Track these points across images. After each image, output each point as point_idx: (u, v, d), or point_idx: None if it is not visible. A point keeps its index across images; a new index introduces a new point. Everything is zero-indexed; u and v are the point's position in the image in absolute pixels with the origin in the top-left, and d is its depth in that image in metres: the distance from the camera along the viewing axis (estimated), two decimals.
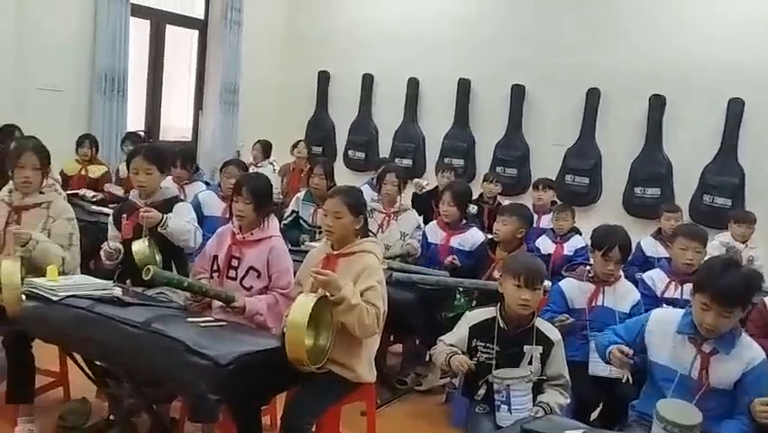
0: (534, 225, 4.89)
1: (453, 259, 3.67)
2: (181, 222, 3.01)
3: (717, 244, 4.52)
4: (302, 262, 2.87)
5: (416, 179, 5.34)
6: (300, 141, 6.49)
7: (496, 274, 3.37)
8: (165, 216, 2.96)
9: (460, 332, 2.50)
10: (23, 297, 2.57)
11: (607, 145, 6.31)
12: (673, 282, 3.26)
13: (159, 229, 2.93)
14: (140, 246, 2.81)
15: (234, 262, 2.81)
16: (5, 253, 2.88)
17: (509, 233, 3.51)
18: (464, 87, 6.92)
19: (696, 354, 2.24)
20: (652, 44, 6.06)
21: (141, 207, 3.02)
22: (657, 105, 6.05)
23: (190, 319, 2.46)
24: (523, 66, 6.60)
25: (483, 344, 2.44)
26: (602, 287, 3.04)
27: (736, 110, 5.74)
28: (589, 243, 3.23)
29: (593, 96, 6.31)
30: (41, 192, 3.03)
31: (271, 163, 6.23)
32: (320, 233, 4.35)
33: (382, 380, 3.70)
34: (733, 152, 5.78)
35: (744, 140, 5.76)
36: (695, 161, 5.90)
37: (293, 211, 4.43)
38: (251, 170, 5.61)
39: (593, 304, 3.03)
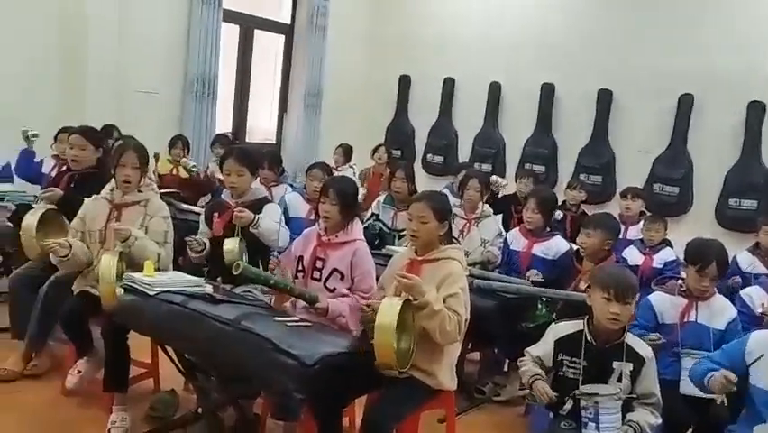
0: (621, 236, 4.75)
1: (536, 276, 3.57)
2: (271, 222, 3.10)
3: None
4: (383, 264, 2.89)
5: (493, 177, 5.23)
6: (380, 145, 6.53)
7: (582, 286, 3.28)
8: (257, 216, 3.05)
9: (545, 345, 2.44)
10: (122, 290, 2.71)
11: (699, 154, 6.04)
12: None
13: (250, 229, 3.03)
14: (231, 245, 2.90)
15: (319, 264, 2.85)
16: (106, 248, 3.06)
17: (595, 245, 3.39)
18: (548, 92, 6.79)
19: None
20: (751, 47, 5.75)
21: (232, 207, 3.13)
22: (756, 112, 5.74)
23: (277, 319, 2.52)
24: (610, 70, 6.40)
25: (570, 358, 2.37)
26: (695, 302, 2.90)
27: None
28: (683, 256, 3.09)
29: (686, 103, 6.05)
30: (139, 190, 3.18)
31: (352, 167, 6.30)
32: (400, 237, 4.38)
33: (460, 388, 3.64)
34: None
35: None
36: None
37: (373, 214, 4.46)
38: (333, 173, 5.69)
39: (685, 320, 2.89)
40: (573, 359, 2.37)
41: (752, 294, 3.21)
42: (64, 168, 3.99)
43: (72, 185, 3.60)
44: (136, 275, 2.70)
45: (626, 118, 6.42)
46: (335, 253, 2.83)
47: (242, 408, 2.85)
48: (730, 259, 3.97)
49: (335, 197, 2.80)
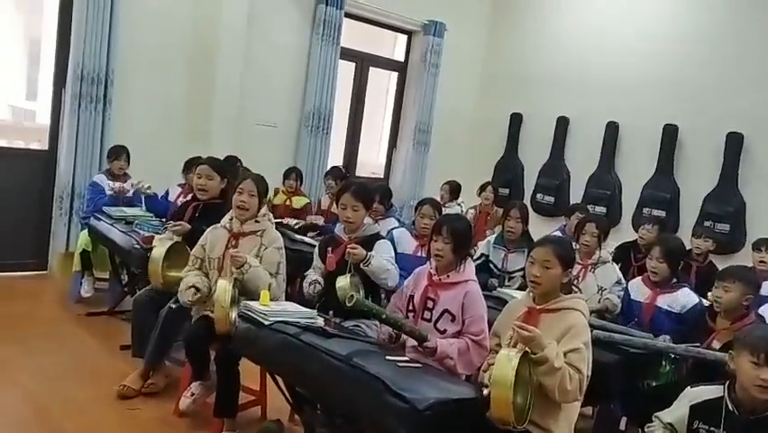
0: None
1: (665, 341, 3.29)
2: (382, 260, 3.07)
3: None
4: (495, 307, 2.78)
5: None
6: (488, 183, 6.43)
7: (715, 345, 3.01)
8: (369, 253, 3.04)
9: (679, 410, 2.23)
10: (236, 316, 2.76)
11: None
12: None
13: (362, 266, 3.01)
14: (343, 282, 2.90)
15: (430, 304, 2.78)
16: (223, 275, 3.14)
17: (733, 301, 3.09)
18: (670, 134, 6.44)
19: None
20: None
21: (345, 242, 3.14)
22: None
23: (389, 358, 2.46)
24: (740, 112, 5.99)
25: (707, 427, 2.16)
26: None
27: None
28: None
29: None
30: (256, 221, 3.26)
31: (459, 204, 6.23)
32: (510, 279, 4.24)
33: None
34: None
35: None
36: None
37: (482, 255, 4.35)
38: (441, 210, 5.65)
39: None
40: (711, 429, 2.16)
41: None
42: (189, 197, 4.18)
43: (197, 214, 3.75)
44: (252, 303, 2.76)
45: (758, 162, 5.96)
46: (447, 294, 2.76)
47: None
48: None
49: (449, 235, 2.73)
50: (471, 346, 2.69)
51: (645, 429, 2.32)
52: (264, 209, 3.38)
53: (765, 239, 4.65)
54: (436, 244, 2.80)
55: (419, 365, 2.50)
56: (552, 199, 7.24)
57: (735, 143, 6.04)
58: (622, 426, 3.57)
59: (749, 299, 3.12)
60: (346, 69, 7.08)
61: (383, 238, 3.37)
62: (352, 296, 2.49)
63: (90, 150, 5.20)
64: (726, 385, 2.19)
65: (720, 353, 2.78)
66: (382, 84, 7.74)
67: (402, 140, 7.60)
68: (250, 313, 2.70)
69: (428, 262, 2.92)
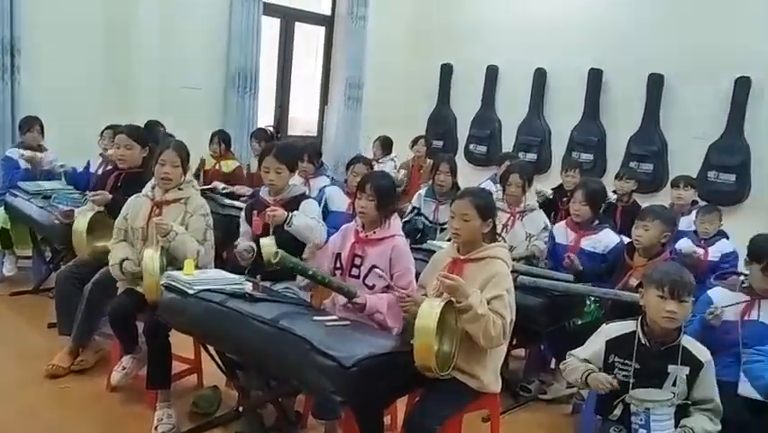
0: None
1: (573, 260, 3.45)
2: (307, 219, 3.06)
3: None
4: (424, 259, 2.82)
5: (535, 188, 5.10)
6: (420, 137, 6.45)
7: (633, 282, 3.15)
8: (291, 214, 3.02)
9: (595, 346, 2.33)
10: (162, 288, 2.72)
11: (757, 140, 5.73)
12: None
13: (285, 227, 2.99)
14: (267, 242, 2.87)
15: (357, 261, 2.81)
16: (148, 245, 3.07)
17: (653, 238, 3.23)
18: (595, 78, 6.56)
19: None
20: None
21: (269, 205, 3.11)
22: None
23: (316, 318, 2.48)
24: (661, 53, 6.14)
25: (621, 360, 2.26)
26: (758, 300, 2.74)
27: None
28: (740, 248, 2.92)
29: (742, 86, 5.75)
30: (179, 188, 3.18)
31: (392, 160, 6.23)
32: (442, 230, 4.30)
33: (504, 385, 3.57)
34: None
35: None
36: None
37: (414, 207, 4.39)
38: (373, 166, 5.64)
39: (747, 318, 2.74)
40: (625, 361, 2.26)
41: None
42: (110, 167, 4.04)
43: (119, 185, 3.64)
44: (176, 273, 2.71)
45: (678, 103, 6.15)
46: (374, 250, 2.78)
47: (283, 406, 2.84)
48: None
49: (372, 192, 2.74)
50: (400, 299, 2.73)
51: (561, 366, 2.42)
52: (188, 176, 3.30)
53: (683, 176, 4.84)
54: (360, 202, 2.81)
55: (347, 323, 2.52)
56: (484, 149, 7.32)
57: (656, 84, 6.21)
58: (552, 365, 3.73)
59: (667, 237, 3.26)
60: (271, 26, 6.88)
61: (309, 198, 3.35)
62: (277, 252, 2.48)
63: (0, 122, 4.93)
64: (639, 320, 2.30)
65: (635, 294, 2.91)
66: (310, 40, 7.57)
67: (333, 96, 7.50)
68: (174, 283, 2.65)
69: (354, 220, 2.94)
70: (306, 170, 4.62)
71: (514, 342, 3.89)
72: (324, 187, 4.47)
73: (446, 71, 7.69)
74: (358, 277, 2.81)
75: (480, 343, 2.32)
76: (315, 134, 7.60)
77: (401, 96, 7.73)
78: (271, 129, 6.27)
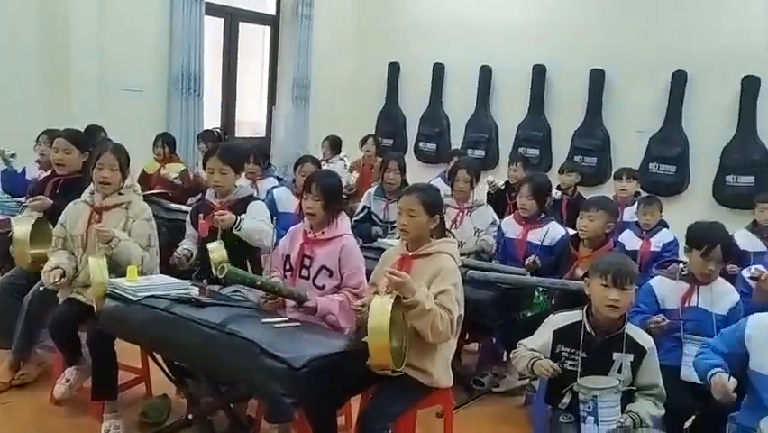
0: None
1: (535, 261, 3.50)
2: (256, 222, 3.01)
3: None
4: (375, 258, 2.82)
5: (487, 178, 5.19)
6: (369, 136, 6.44)
7: (579, 272, 3.21)
8: (239, 217, 2.97)
9: (543, 337, 2.37)
10: (105, 296, 2.63)
11: (694, 131, 5.95)
12: None
13: (233, 231, 2.94)
14: (215, 247, 2.82)
15: (307, 262, 2.79)
16: (89, 252, 2.97)
17: (597, 229, 3.30)
18: (539, 74, 6.69)
19: None
20: (743, 23, 5.66)
21: (216, 207, 3.05)
22: (750, 87, 5.65)
23: (265, 320, 2.45)
24: (601, 49, 6.30)
25: (568, 350, 2.30)
26: (697, 286, 2.83)
27: None
28: (681, 237, 3.01)
29: (679, 80, 5.95)
30: (120, 193, 3.09)
31: (342, 159, 6.21)
32: (392, 228, 4.31)
33: (458, 380, 3.60)
34: None
35: None
36: None
37: (365, 207, 4.38)
38: (323, 166, 5.62)
39: (687, 305, 2.83)
40: (572, 351, 2.30)
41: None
42: (49, 172, 3.90)
43: (57, 191, 3.50)
44: (118, 280, 2.64)
45: (619, 98, 6.33)
46: (322, 250, 2.77)
47: (234, 412, 2.79)
48: None
49: (318, 192, 2.73)
50: (352, 299, 2.72)
51: (511, 356, 2.45)
52: (129, 180, 3.21)
53: (625, 169, 4.97)
54: (307, 202, 2.79)
55: (298, 325, 2.50)
56: (434, 147, 7.37)
57: (597, 80, 6.37)
58: (504, 358, 3.78)
59: (610, 227, 3.34)
60: (214, 26, 6.77)
61: (257, 199, 3.31)
62: (223, 267, 2.43)
63: None
64: (584, 310, 2.35)
65: (581, 283, 2.97)
66: (255, 40, 7.48)
67: (281, 97, 7.42)
68: (116, 291, 2.58)
69: (303, 220, 2.92)
70: (253, 172, 4.57)
71: (466, 336, 3.94)
72: (272, 188, 4.43)
73: (394, 70, 7.72)
74: (308, 278, 2.79)
75: (428, 338, 2.32)
76: (264, 135, 7.51)
77: (350, 96, 7.72)
78: (218, 131, 6.16)
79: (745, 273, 3.25)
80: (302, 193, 2.84)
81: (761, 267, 3.17)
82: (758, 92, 5.63)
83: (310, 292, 2.72)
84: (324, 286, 2.76)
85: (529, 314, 3.53)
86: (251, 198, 3.20)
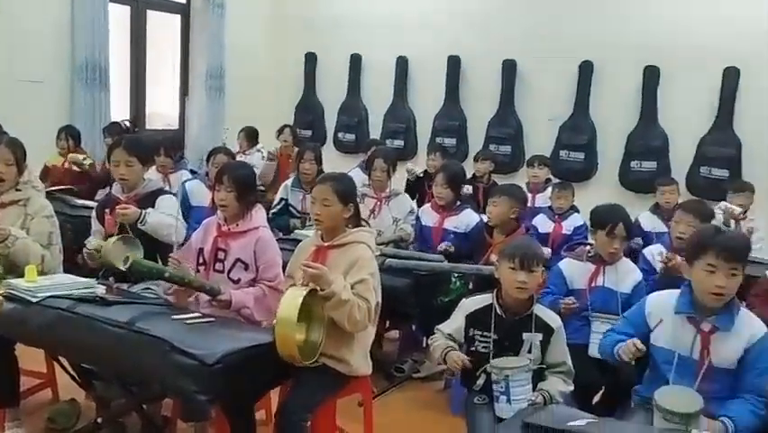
0: (530, 204, 4.82)
1: (448, 247, 3.57)
2: (162, 216, 2.90)
3: (718, 211, 4.41)
4: (292, 250, 2.79)
5: (407, 166, 5.24)
6: (285, 126, 6.37)
7: (493, 258, 3.29)
8: (144, 212, 2.85)
9: (456, 321, 2.41)
10: (1, 299, 2.48)
11: (601, 119, 6.20)
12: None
13: (138, 225, 2.83)
14: (109, 247, 2.67)
15: (221, 255, 2.73)
16: None
17: (501, 214, 3.42)
18: (454, 65, 6.79)
19: (696, 334, 2.18)
20: (644, 14, 5.93)
21: (122, 202, 2.93)
22: (651, 76, 5.94)
23: (176, 317, 2.37)
24: (513, 40, 6.46)
25: (480, 332, 2.35)
26: (603, 267, 2.96)
27: (731, 79, 5.64)
28: (589, 222, 3.14)
29: (586, 69, 6.19)
30: (17, 189, 2.92)
31: (259, 150, 6.10)
32: (310, 220, 4.26)
33: (379, 368, 3.63)
34: (729, 122, 5.69)
35: (740, 109, 5.66)
36: (691, 132, 5.80)
37: (282, 199, 4.33)
38: (239, 158, 5.51)
39: (593, 284, 2.95)
40: (484, 333, 2.35)
41: (654, 252, 3.32)
42: None
43: None
44: (15, 281, 2.49)
45: (531, 87, 6.51)
46: (237, 243, 2.71)
47: (148, 413, 2.70)
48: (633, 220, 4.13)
49: (231, 184, 2.67)
50: (268, 292, 2.69)
51: (429, 341, 2.48)
52: (27, 175, 3.03)
53: (536, 156, 5.14)
54: (219, 194, 2.73)
55: (211, 320, 2.43)
56: (353, 137, 7.35)
57: (510, 70, 6.53)
58: (424, 344, 3.83)
59: (516, 212, 3.44)
60: (121, 15, 6.47)
61: (168, 193, 3.20)
62: (128, 257, 2.33)
63: None
64: (495, 293, 2.40)
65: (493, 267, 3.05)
66: (165, 29, 7.21)
67: (194, 87, 7.20)
68: (14, 292, 2.43)
69: (216, 213, 2.84)
70: (165, 165, 4.42)
71: (387, 325, 3.97)
72: (185, 181, 4.29)
73: (311, 60, 7.64)
74: (222, 271, 2.73)
75: (345, 328, 2.32)
76: (177, 128, 7.27)
77: (266, 86, 7.59)
78: (127, 123, 5.91)
79: (652, 252, 3.41)
80: (213, 186, 2.76)
81: (663, 250, 3.34)
82: (659, 81, 5.93)
83: (225, 286, 2.66)
84: (239, 279, 2.71)
85: (447, 299, 3.58)
86: (160, 192, 3.08)
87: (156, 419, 2.77)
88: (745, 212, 4.49)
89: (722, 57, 5.61)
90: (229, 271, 2.71)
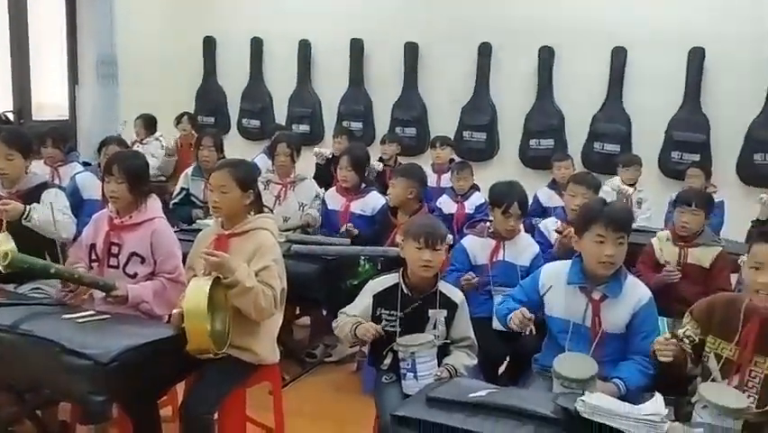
0: (435, 185, 4.91)
1: (350, 227, 3.58)
2: (48, 212, 2.73)
3: (609, 189, 4.67)
4: (191, 240, 2.70)
5: (315, 150, 5.19)
6: (184, 114, 6.17)
7: (398, 239, 3.32)
8: (29, 207, 2.68)
9: (363, 302, 2.42)
10: None
11: (501, 100, 6.37)
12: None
13: (23, 222, 2.65)
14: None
15: (114, 249, 2.60)
16: None
17: (400, 195, 3.47)
18: (357, 48, 6.76)
19: (587, 303, 2.29)
20: None
21: (3, 198, 2.73)
22: (546, 57, 6.14)
23: (66, 316, 2.25)
24: (414, 23, 6.51)
25: (387, 312, 2.37)
26: (503, 242, 3.06)
27: (619, 58, 5.92)
28: (488, 200, 3.24)
29: (485, 51, 6.33)
30: None
31: (158, 139, 5.87)
32: None
33: (290, 355, 3.63)
34: (619, 99, 5.98)
35: (628, 87, 5.96)
36: (585, 110, 6.04)
37: (182, 188, 4.19)
38: (137, 147, 5.29)
39: (495, 259, 3.06)
40: (391, 312, 2.38)
41: (548, 225, 3.46)
42: None
43: None
44: None
45: (433, 70, 6.58)
46: (131, 236, 2.59)
47: (43, 419, 2.56)
48: (531, 196, 4.30)
49: (121, 174, 2.55)
50: (168, 285, 2.59)
51: (333, 325, 2.48)
52: None
53: (439, 137, 5.24)
54: (109, 186, 2.60)
55: (107, 317, 2.32)
56: (258, 123, 7.19)
57: (412, 52, 6.57)
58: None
59: (413, 192, 3.49)
60: None
61: (54, 187, 3.02)
62: (6, 254, 2.17)
63: None
64: (401, 272, 2.43)
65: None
66: (49, 11, 6.75)
67: (84, 74, 6.77)
68: None
69: (107, 206, 2.71)
70: (53, 157, 4.16)
71: (297, 311, 3.95)
72: (76, 174, 4.06)
73: (209, 44, 7.39)
74: (117, 267, 2.60)
75: (251, 316, 2.29)
76: (68, 118, 6.85)
77: (163, 72, 7.26)
78: (8, 114, 5.50)
79: (547, 225, 3.56)
80: (103, 177, 2.63)
81: (558, 222, 3.49)
82: (553, 61, 6.15)
83: (121, 282, 2.54)
84: (136, 274, 2.59)
85: (356, 282, 3.58)
86: (44, 186, 2.90)
87: (52, 425, 2.62)
88: (634, 184, 4.78)
89: (611, 37, 5.88)
90: (124, 266, 2.59)
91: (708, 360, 2.10)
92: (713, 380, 2.06)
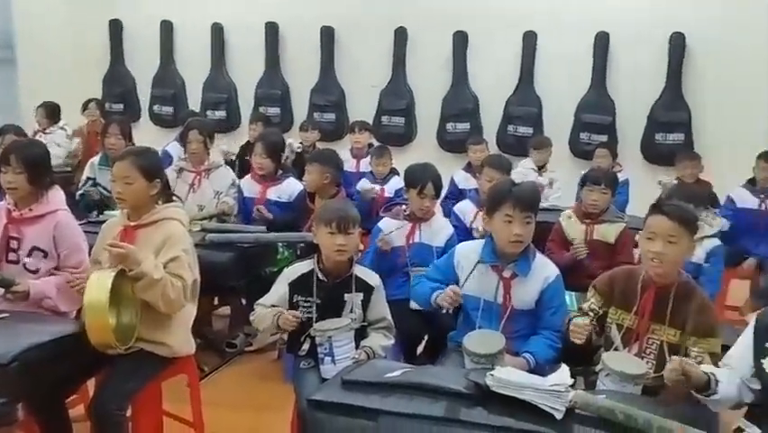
0: (354, 169, 4.92)
1: (261, 208, 3.55)
2: None
3: (521, 170, 4.81)
4: (96, 233, 2.59)
5: (289, 140, 5.03)
6: (90, 101, 5.89)
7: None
8: None
9: (279, 291, 2.39)
10: None
11: (418, 84, 6.43)
12: (481, 212, 3.40)
13: None
14: None
15: (14, 244, 2.48)
16: None
17: (315, 180, 3.48)
18: (272, 32, 6.65)
19: (498, 281, 2.36)
20: None
21: None
22: (460, 41, 6.24)
23: None
24: (329, 7, 6.46)
25: (304, 298, 2.35)
26: (418, 224, 3.10)
27: (530, 42, 6.08)
28: (403, 182, 3.27)
29: (401, 36, 6.36)
30: None
31: (63, 128, 5.58)
32: None
33: (210, 345, 3.57)
34: (530, 82, 6.15)
35: (539, 71, 6.15)
36: (499, 94, 6.19)
37: (89, 178, 4.01)
38: (39, 137, 5.02)
39: (411, 241, 3.10)
40: (307, 299, 2.36)
41: (463, 208, 3.54)
42: None
43: None
44: None
45: (350, 54, 6.56)
46: (32, 229, 2.48)
47: None
48: (448, 179, 4.38)
49: (19, 164, 2.42)
50: (72, 280, 2.48)
51: (251, 317, 2.45)
52: None
53: (357, 122, 5.24)
54: (7, 177, 2.48)
55: (6, 315, 2.21)
56: (170, 110, 6.96)
57: (328, 37, 6.53)
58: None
59: (328, 177, 3.50)
60: None
61: None
62: None
63: None
64: (316, 258, 2.42)
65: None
66: None
67: None
68: None
69: (4, 198, 2.56)
70: None
71: (216, 301, 3.88)
72: None
73: (116, 28, 7.08)
74: (17, 262, 2.49)
75: (160, 309, 2.22)
76: None
77: (66, 57, 6.92)
78: None
79: (459, 209, 3.63)
80: (0, 167, 2.48)
81: (472, 205, 3.57)
82: (467, 46, 6.25)
83: (21, 278, 2.42)
84: (38, 270, 2.48)
85: (275, 270, 3.55)
86: None
87: None
88: (544, 165, 4.94)
89: (522, 22, 6.03)
90: (25, 262, 2.47)
91: (610, 330, 2.21)
92: (615, 349, 2.17)
